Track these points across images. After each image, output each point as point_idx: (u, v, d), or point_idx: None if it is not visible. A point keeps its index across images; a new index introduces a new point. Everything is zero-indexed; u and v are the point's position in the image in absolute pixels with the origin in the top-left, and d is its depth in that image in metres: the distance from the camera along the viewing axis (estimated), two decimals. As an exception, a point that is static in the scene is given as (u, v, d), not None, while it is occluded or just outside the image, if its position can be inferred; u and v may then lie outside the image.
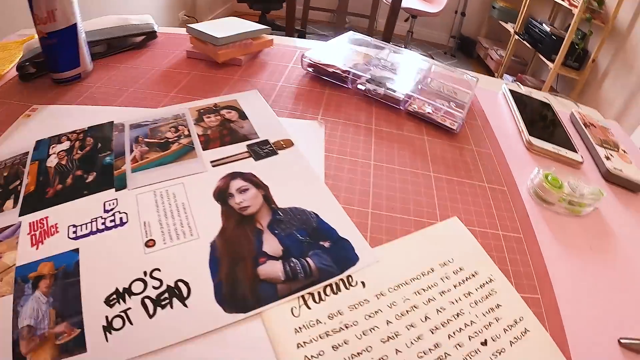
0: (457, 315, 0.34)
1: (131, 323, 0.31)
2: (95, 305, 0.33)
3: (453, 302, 0.35)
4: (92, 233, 0.39)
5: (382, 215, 0.41)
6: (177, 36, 0.81)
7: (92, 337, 0.31)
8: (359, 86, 0.61)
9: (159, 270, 0.35)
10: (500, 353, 0.32)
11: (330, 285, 0.35)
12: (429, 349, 0.31)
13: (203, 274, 0.35)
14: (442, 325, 0.33)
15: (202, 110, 0.55)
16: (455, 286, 0.36)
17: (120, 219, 0.40)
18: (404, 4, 2.64)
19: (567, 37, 2.60)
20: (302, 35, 3.85)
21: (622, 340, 0.36)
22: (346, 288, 0.35)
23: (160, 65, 0.68)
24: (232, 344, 0.31)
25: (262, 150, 0.48)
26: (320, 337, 0.31)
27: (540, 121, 0.64)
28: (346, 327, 0.32)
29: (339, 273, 0.36)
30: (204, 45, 0.68)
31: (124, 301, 0.33)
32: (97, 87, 0.61)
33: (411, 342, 0.32)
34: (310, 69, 0.64)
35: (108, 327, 0.31)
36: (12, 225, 0.40)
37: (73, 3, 0.59)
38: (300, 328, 0.32)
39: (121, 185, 0.44)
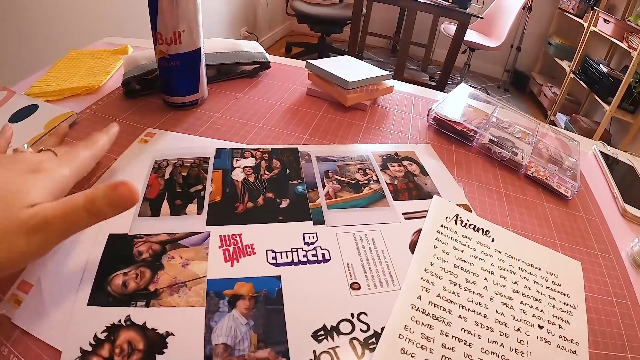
0: (534, 299, 0.41)
1: (339, 361, 0.32)
2: (302, 338, 0.33)
3: (538, 292, 0.42)
4: (293, 263, 0.39)
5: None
6: (289, 68, 0.83)
7: (298, 368, 0.31)
8: (493, 148, 0.63)
9: (365, 314, 0.36)
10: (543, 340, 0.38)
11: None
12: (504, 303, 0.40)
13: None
14: (521, 302, 0.41)
15: (384, 157, 0.56)
16: (547, 287, 0.43)
17: (323, 255, 0.41)
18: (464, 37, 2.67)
19: (625, 80, 2.58)
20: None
21: None
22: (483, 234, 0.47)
23: (280, 99, 0.70)
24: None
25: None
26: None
27: (629, 186, 0.66)
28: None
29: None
30: (329, 85, 0.70)
31: (332, 339, 0.34)
32: (217, 117, 0.61)
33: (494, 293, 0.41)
34: (433, 123, 0.68)
35: (315, 362, 0.32)
36: (199, 233, 0.41)
37: (200, 26, 0.57)
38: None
39: (319, 220, 0.44)
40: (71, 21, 1.65)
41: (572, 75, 3.21)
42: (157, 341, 0.32)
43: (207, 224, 0.42)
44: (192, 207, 0.44)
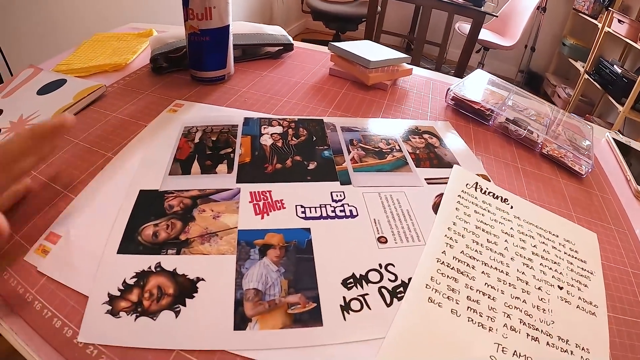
0: (553, 263, 0.42)
1: (369, 307, 0.33)
2: (332, 285, 0.35)
3: (557, 256, 0.43)
4: (322, 217, 0.41)
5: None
6: (311, 52, 0.85)
7: (329, 313, 0.32)
8: (510, 126, 0.65)
9: (392, 265, 0.37)
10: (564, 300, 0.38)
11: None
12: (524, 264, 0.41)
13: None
14: (541, 264, 0.42)
15: (406, 129, 0.59)
16: (565, 253, 0.44)
17: (350, 211, 0.42)
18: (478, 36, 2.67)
19: (639, 81, 2.54)
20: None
21: None
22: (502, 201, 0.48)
23: (303, 78, 0.72)
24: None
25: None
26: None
27: (640, 170, 0.67)
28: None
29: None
30: (351, 65, 0.72)
31: (362, 286, 0.35)
32: (244, 91, 0.63)
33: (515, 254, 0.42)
34: (451, 102, 0.70)
35: (346, 307, 0.33)
36: (229, 189, 0.42)
37: (229, 4, 0.59)
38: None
39: (346, 180, 0.46)
40: (94, 8, 1.67)
41: (586, 76, 3.18)
42: (187, 286, 0.33)
43: (238, 182, 0.44)
44: (222, 167, 0.45)
